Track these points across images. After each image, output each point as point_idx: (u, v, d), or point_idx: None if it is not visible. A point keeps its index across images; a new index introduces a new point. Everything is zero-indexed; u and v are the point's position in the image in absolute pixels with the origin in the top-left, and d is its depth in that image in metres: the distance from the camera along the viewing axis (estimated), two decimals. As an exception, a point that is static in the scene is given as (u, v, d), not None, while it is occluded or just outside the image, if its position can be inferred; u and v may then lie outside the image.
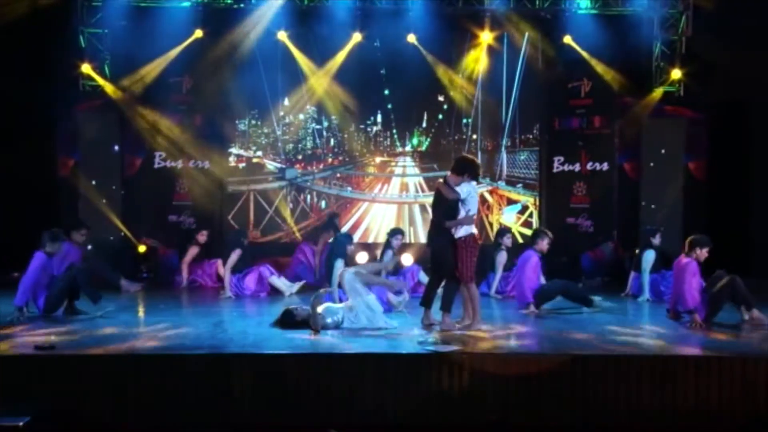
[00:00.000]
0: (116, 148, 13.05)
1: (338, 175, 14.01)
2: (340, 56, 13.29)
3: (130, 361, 6.35)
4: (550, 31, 13.40)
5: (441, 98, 13.83)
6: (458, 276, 7.85)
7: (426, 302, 8.12)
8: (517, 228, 13.55)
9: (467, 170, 7.92)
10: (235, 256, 10.64)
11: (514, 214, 13.79)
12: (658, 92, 13.18)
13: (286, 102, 13.65)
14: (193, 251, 11.70)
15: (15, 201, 11.82)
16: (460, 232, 7.83)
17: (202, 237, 11.77)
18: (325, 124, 13.88)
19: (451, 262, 7.87)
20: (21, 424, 5.55)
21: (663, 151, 13.15)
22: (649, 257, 10.33)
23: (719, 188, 12.86)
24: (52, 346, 6.59)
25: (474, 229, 8.02)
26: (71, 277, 8.66)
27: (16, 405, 5.89)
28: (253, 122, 13.73)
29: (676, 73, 13.03)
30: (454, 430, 6.24)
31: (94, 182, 12.81)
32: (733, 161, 12.96)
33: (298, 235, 13.53)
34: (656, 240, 10.55)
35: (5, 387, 6.13)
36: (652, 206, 13.09)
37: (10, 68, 11.62)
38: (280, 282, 10.91)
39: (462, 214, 7.83)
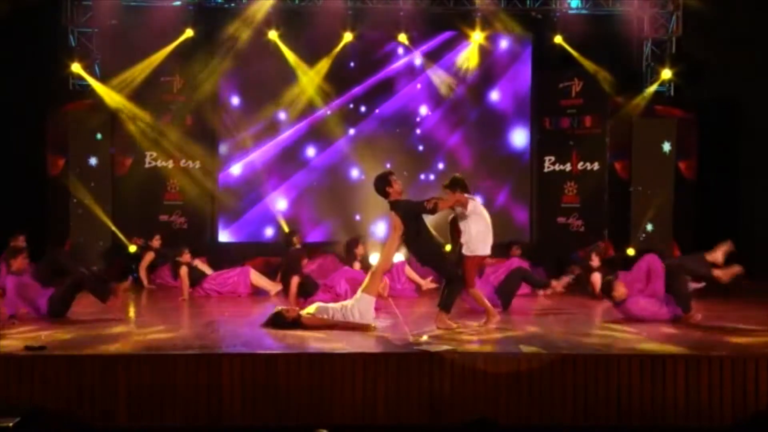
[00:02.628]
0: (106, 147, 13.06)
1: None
2: (331, 55, 13.31)
3: (121, 362, 6.32)
4: (541, 31, 13.47)
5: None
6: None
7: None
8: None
9: (383, 185, 7.87)
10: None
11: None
12: (648, 92, 13.24)
13: (278, 101, 13.60)
14: (148, 257, 11.79)
15: (3, 201, 11.76)
16: (473, 249, 7.88)
17: (157, 242, 11.94)
18: (316, 124, 13.87)
19: (444, 265, 7.90)
20: (11, 424, 5.52)
21: (653, 150, 13.19)
22: None
23: (709, 187, 12.93)
24: (42, 347, 6.57)
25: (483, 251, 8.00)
26: (78, 282, 8.60)
27: (6, 405, 5.86)
28: (245, 122, 13.67)
29: (666, 73, 13.09)
30: (445, 430, 6.24)
31: (84, 182, 12.78)
32: (723, 160, 13.04)
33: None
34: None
35: (-5, 387, 6.12)
36: (642, 205, 13.16)
37: (2, 67, 11.62)
38: (265, 281, 10.92)
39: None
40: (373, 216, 13.13)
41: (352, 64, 13.52)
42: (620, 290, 8.26)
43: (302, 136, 13.62)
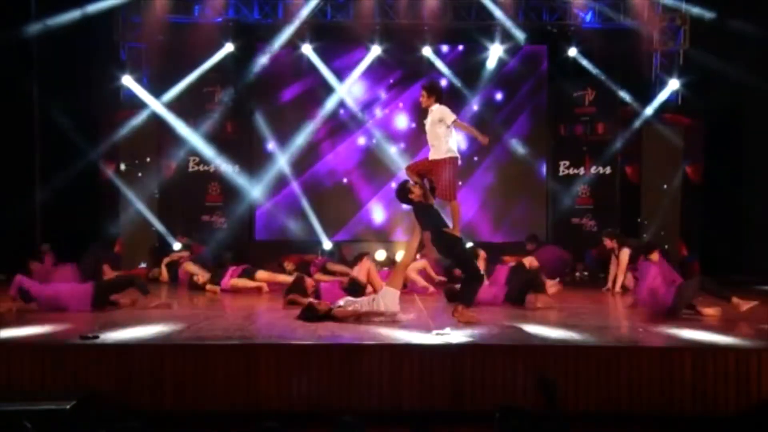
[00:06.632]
0: (153, 153, 13.25)
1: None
2: (361, 69, 13.39)
3: (167, 350, 6.41)
4: (557, 44, 13.47)
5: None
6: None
7: (458, 297, 8.00)
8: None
9: (405, 194, 7.76)
10: None
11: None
12: (657, 100, 13.17)
13: (312, 110, 13.65)
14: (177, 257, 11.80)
15: (60, 203, 11.96)
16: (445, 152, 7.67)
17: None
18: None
19: (465, 259, 7.82)
20: (68, 407, 5.61)
21: (662, 155, 13.16)
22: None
23: (715, 190, 12.84)
24: (96, 336, 6.67)
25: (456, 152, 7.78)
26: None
27: (64, 389, 5.98)
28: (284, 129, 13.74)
29: (675, 83, 13.03)
30: (469, 416, 6.23)
31: (132, 185, 12.98)
32: (728, 164, 12.93)
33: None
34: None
35: (54, 373, 6.22)
36: (652, 207, 13.14)
37: (61, 80, 11.80)
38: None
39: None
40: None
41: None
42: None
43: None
